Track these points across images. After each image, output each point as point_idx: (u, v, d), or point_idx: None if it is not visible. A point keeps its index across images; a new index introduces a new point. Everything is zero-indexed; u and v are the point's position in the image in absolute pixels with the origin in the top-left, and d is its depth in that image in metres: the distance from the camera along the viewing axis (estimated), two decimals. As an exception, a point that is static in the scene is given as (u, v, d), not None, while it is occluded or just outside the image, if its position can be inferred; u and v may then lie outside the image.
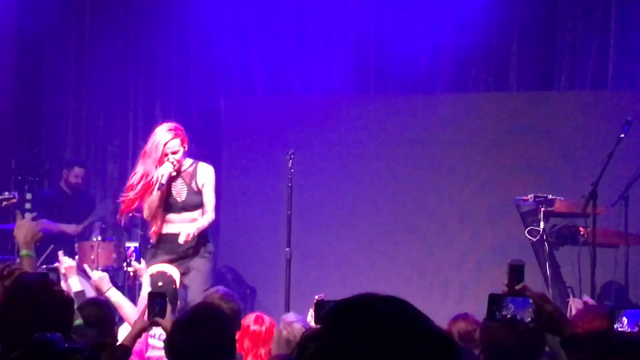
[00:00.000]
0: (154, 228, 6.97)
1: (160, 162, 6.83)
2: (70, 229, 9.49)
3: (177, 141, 6.86)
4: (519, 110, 9.46)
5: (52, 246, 8.93)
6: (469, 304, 6.12)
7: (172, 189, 6.93)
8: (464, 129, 9.49)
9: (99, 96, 10.60)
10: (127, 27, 10.60)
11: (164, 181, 6.77)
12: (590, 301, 4.94)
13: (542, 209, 7.40)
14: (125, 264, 6.00)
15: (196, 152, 10.33)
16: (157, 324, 4.43)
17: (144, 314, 4.52)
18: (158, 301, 4.43)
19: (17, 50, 10.37)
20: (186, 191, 6.94)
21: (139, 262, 6.15)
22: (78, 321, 4.26)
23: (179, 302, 6.21)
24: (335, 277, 9.25)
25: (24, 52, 10.43)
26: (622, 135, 6.99)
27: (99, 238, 9.20)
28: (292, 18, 10.21)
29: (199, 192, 6.93)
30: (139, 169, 6.93)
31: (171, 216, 6.94)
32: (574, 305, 4.97)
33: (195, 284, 6.73)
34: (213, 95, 10.50)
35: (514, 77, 9.73)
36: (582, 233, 7.23)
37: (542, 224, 7.39)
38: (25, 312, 3.29)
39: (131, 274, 5.86)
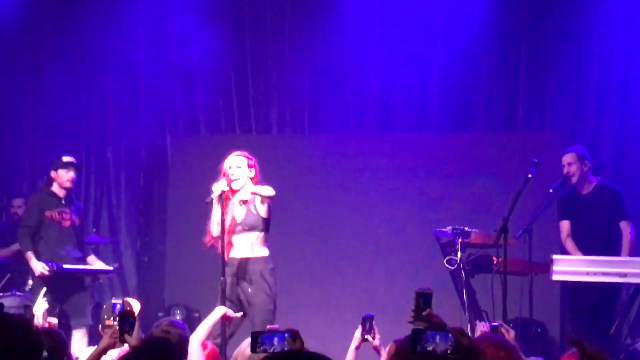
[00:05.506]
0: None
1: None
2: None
3: (241, 160, 7.11)
4: (439, 151, 9.89)
5: (8, 275, 9.39)
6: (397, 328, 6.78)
7: (235, 212, 7.07)
8: (390, 168, 9.92)
9: (54, 134, 10.75)
10: (80, 69, 10.76)
11: (214, 196, 6.86)
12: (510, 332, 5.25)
13: (459, 240, 7.94)
14: (112, 319, 6.54)
15: (144, 188, 10.95)
16: (125, 342, 4.65)
17: (112, 333, 4.81)
18: (128, 321, 4.74)
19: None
20: (244, 213, 7.11)
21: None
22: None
23: None
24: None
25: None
26: (530, 176, 7.44)
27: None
28: (232, 61, 10.59)
29: (257, 214, 7.14)
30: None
31: (233, 238, 7.08)
32: (480, 328, 5.34)
33: (259, 322, 6.82)
34: (160, 133, 10.80)
35: (435, 120, 10.18)
36: (495, 262, 7.77)
37: (459, 254, 7.94)
38: None
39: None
